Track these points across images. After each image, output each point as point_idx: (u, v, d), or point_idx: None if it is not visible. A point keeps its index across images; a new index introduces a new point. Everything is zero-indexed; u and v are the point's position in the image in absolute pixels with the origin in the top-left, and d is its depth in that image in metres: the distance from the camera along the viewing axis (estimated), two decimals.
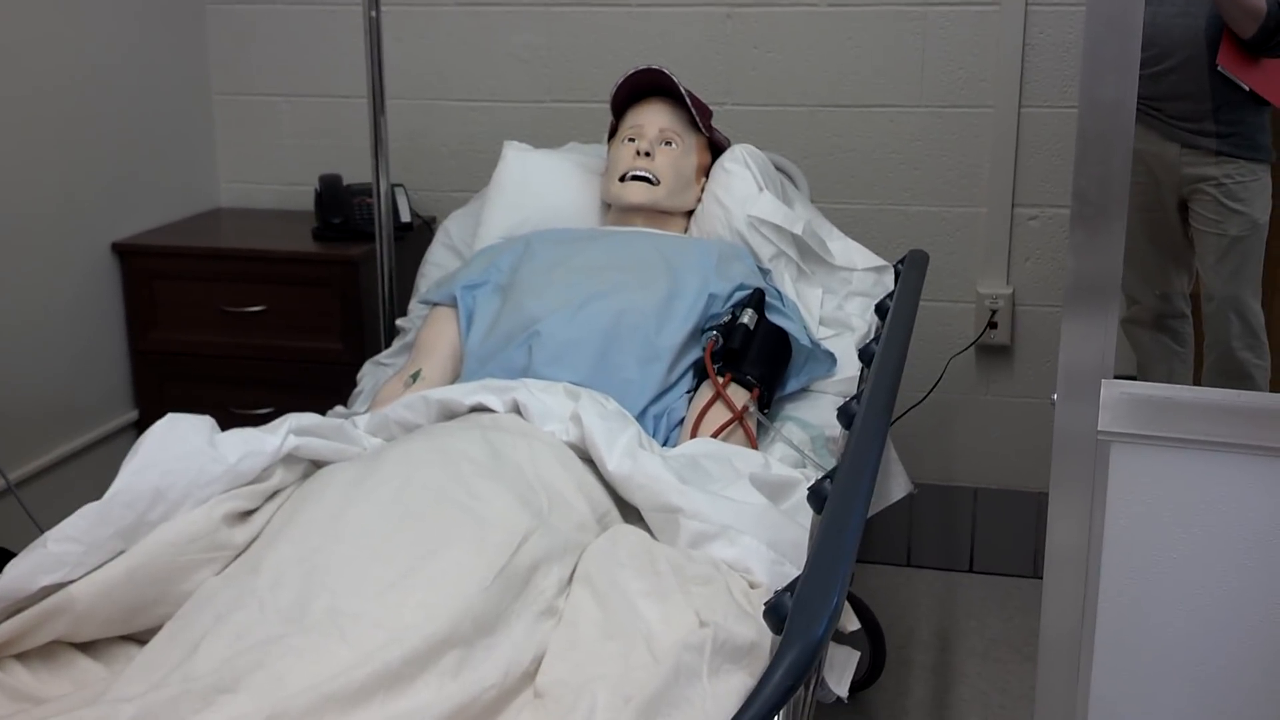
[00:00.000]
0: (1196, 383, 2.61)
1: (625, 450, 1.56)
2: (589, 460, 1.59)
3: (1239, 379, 2.43)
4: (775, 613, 1.06)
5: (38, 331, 2.50)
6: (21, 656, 1.27)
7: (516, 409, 1.67)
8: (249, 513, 1.45)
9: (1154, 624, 1.25)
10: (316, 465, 1.57)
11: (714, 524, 1.45)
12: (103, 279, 2.68)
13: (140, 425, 2.73)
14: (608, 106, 2.26)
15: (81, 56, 2.58)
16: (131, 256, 2.71)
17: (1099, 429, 1.22)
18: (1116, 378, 1.23)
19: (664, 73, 2.17)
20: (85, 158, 2.60)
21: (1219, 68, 2.31)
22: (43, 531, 1.32)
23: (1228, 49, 2.30)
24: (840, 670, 1.45)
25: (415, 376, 1.95)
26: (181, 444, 1.44)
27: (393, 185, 2.48)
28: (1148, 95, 2.43)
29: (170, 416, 1.48)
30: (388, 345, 2.34)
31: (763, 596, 1.27)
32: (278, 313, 2.66)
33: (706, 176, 2.24)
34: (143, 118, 2.77)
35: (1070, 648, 1.28)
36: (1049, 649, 1.30)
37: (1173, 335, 2.64)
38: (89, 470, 2.60)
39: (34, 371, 2.49)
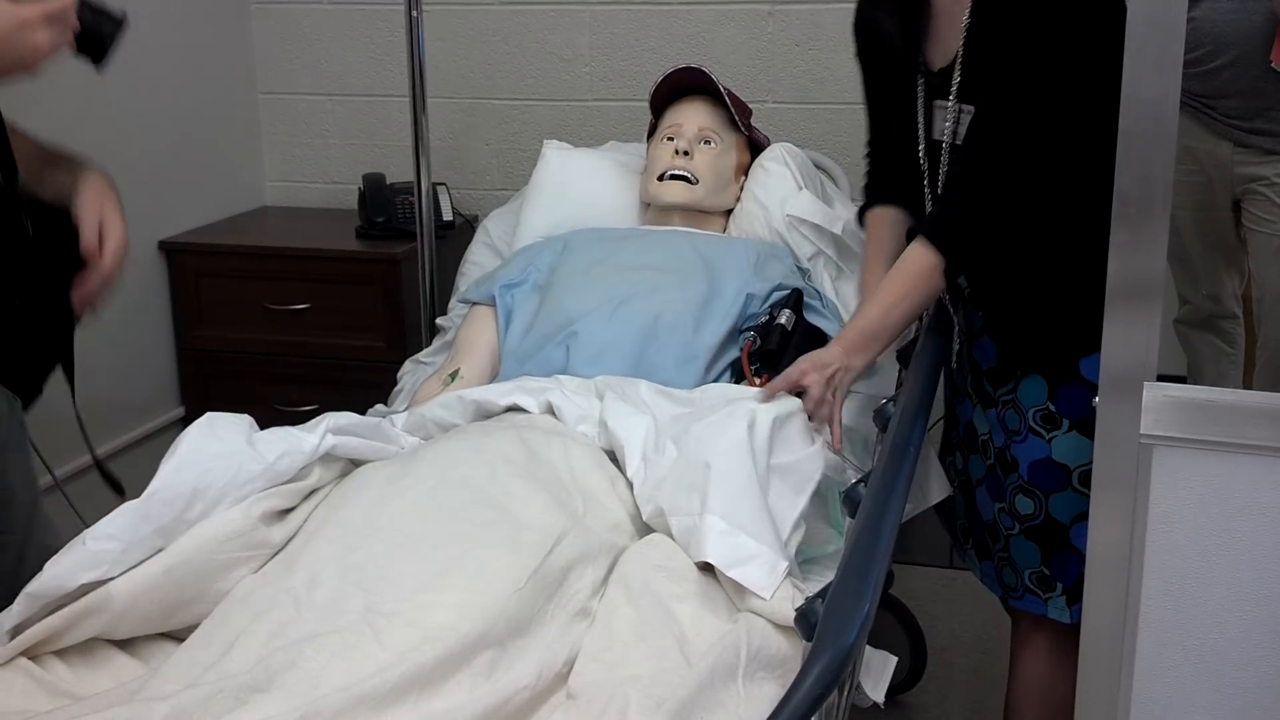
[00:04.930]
0: (1247, 385, 2.56)
1: (641, 458, 1.54)
2: None
3: None
4: (806, 620, 1.06)
5: (85, 328, 2.53)
6: (60, 653, 1.28)
7: (550, 410, 1.67)
8: (286, 511, 1.45)
9: (1196, 628, 1.23)
10: (354, 464, 1.58)
11: (692, 513, 1.40)
12: (149, 277, 2.71)
13: (186, 422, 2.74)
14: (647, 105, 2.25)
15: (128, 57, 2.61)
16: (178, 255, 2.74)
17: (1141, 432, 1.20)
18: (1161, 379, 1.21)
19: (703, 71, 2.16)
20: (132, 156, 2.63)
21: (1272, 65, 2.26)
22: (88, 527, 1.33)
23: None
24: (877, 675, 1.43)
25: (454, 376, 1.95)
26: (220, 443, 1.44)
27: (434, 184, 2.50)
28: (1200, 92, 2.38)
29: (209, 415, 1.49)
30: (429, 344, 2.35)
31: (789, 596, 1.26)
32: (321, 311, 2.68)
33: (745, 175, 2.23)
34: (189, 117, 2.80)
35: (1112, 650, 1.26)
36: (1091, 651, 1.28)
37: (1222, 336, 2.59)
38: (135, 467, 2.62)
39: (81, 367, 2.51)
